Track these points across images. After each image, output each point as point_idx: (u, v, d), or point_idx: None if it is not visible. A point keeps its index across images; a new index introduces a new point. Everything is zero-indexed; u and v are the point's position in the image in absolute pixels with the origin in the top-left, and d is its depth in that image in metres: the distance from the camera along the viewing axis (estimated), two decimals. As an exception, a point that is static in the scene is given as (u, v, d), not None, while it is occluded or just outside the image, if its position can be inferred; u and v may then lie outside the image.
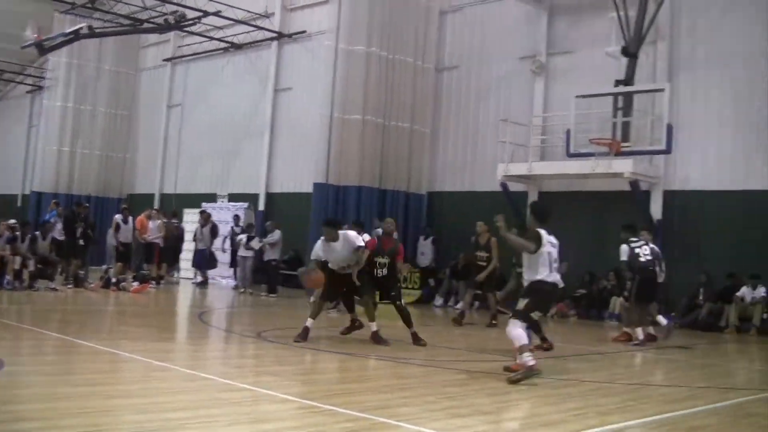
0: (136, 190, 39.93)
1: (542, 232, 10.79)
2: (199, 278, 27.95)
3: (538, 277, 10.71)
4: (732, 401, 10.15)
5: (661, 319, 16.71)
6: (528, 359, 10.11)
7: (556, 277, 10.86)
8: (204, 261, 28.08)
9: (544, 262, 10.71)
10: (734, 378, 13.62)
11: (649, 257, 16.79)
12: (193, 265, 29.05)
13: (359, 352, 12.92)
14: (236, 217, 28.74)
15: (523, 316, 10.62)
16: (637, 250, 16.76)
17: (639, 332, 16.42)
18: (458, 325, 18.74)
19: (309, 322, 13.97)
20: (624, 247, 16.88)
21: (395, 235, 15.99)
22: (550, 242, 10.80)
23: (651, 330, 17.16)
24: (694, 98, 22.69)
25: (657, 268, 17.03)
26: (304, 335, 13.79)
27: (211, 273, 28.88)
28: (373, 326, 14.20)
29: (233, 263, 28.07)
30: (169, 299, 23.54)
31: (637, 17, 22.11)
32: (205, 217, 28.30)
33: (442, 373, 11.35)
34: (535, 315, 11.07)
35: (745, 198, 21.74)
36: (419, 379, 11.03)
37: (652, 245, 17.28)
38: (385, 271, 14.80)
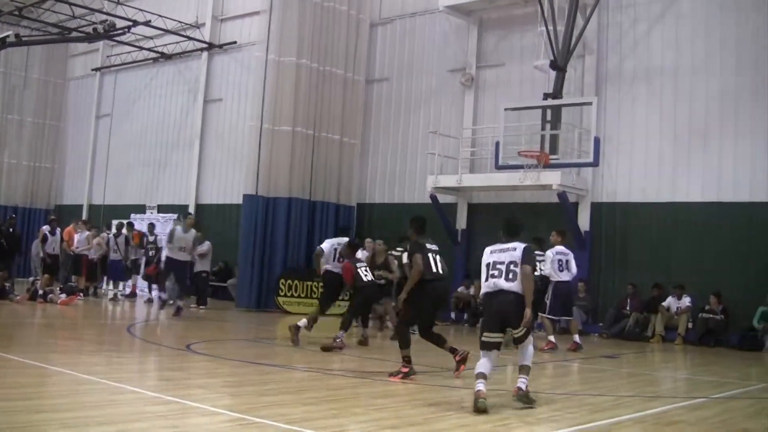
0: (64, 201, 39.46)
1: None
2: (128, 290, 27.60)
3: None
4: (656, 409, 10.30)
5: None
6: (478, 386, 9.33)
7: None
8: (120, 271, 27.70)
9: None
10: (659, 386, 13.81)
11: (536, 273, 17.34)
12: (109, 277, 28.65)
13: (288, 364, 12.91)
14: (151, 225, 28.21)
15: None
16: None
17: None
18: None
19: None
20: None
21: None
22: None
23: (552, 338, 17.42)
24: (620, 112, 23.05)
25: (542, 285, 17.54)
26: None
27: (139, 285, 28.45)
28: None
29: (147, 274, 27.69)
30: (97, 311, 23.24)
31: (565, 32, 22.40)
32: (118, 227, 27.82)
33: (371, 385, 11.38)
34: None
35: (671, 210, 22.12)
36: (348, 390, 11.03)
37: (559, 253, 17.70)
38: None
